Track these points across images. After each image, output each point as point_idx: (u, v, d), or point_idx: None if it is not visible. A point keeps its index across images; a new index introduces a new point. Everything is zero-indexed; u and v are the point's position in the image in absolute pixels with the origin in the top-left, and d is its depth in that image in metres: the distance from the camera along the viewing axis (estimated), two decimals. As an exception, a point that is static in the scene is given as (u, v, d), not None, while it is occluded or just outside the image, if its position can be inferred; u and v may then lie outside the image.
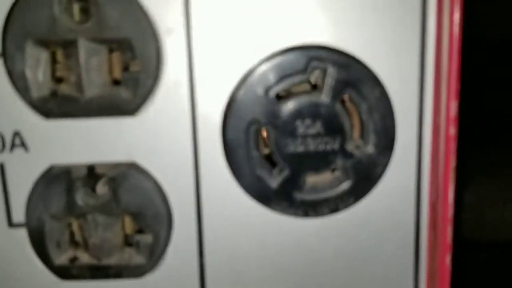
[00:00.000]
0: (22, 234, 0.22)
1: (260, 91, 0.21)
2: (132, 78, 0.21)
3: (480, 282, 0.33)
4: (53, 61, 0.21)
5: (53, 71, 0.21)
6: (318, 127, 0.21)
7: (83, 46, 0.20)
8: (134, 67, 0.21)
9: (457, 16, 0.20)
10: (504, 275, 0.33)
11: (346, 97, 0.21)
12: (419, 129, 0.21)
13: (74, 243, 0.22)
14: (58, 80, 0.21)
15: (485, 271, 0.34)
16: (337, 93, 0.21)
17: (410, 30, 0.21)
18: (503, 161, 0.35)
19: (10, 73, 0.21)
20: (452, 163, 0.20)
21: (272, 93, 0.21)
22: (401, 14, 0.21)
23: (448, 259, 0.21)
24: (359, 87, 0.21)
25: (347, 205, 0.22)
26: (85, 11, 0.21)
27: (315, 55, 0.21)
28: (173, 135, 0.22)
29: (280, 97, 0.21)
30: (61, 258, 0.22)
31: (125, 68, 0.21)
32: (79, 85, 0.21)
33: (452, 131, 0.20)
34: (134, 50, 0.20)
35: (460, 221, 0.26)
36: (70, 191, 0.22)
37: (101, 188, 0.22)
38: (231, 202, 0.22)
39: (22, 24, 0.20)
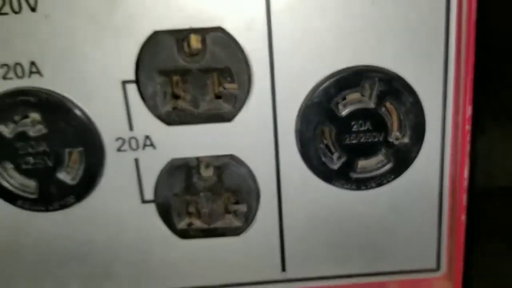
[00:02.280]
0: (152, 208, 0.31)
1: (324, 100, 0.28)
2: (231, 94, 0.28)
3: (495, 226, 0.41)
4: (175, 84, 0.28)
5: (173, 92, 0.29)
6: (367, 125, 0.29)
7: (196, 74, 0.28)
8: (231, 86, 0.29)
9: (471, 44, 0.27)
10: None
11: (388, 103, 0.29)
12: (442, 125, 0.29)
13: (190, 213, 0.31)
14: (177, 98, 0.29)
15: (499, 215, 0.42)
16: (381, 101, 0.28)
17: (437, 51, 0.28)
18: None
19: (142, 95, 0.28)
20: (468, 150, 0.28)
21: (334, 101, 0.29)
22: (429, 38, 0.28)
23: (463, 218, 0.29)
24: (398, 96, 0.28)
25: (388, 180, 0.30)
26: (197, 50, 0.28)
27: (366, 74, 0.28)
28: (260, 135, 0.29)
29: (339, 104, 0.29)
30: (181, 224, 0.31)
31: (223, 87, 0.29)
32: (193, 101, 0.28)
33: (468, 127, 0.28)
34: (232, 75, 0.28)
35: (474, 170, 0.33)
36: (187, 176, 0.30)
37: (209, 174, 0.30)
38: (303, 181, 0.30)
39: (150, 59, 0.28)
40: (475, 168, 0.33)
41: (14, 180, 0.29)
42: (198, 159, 0.30)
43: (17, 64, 0.27)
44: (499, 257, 0.38)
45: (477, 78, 0.28)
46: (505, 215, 0.42)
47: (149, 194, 0.30)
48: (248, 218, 0.31)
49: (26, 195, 0.29)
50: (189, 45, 0.28)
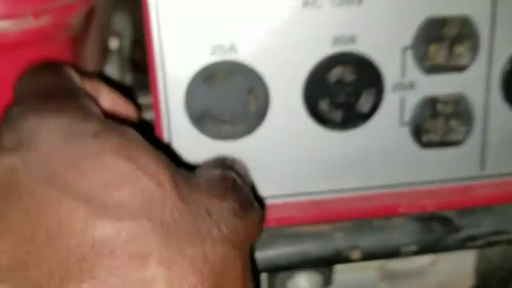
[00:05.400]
0: (407, 128, 0.48)
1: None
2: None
3: None
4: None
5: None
6: None
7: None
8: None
9: None
10: None
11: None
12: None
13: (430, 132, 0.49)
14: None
15: None
16: None
17: None
18: None
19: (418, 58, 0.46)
20: None
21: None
22: None
23: None
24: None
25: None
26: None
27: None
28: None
29: None
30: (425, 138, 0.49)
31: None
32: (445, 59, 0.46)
33: None
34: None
35: None
36: (434, 108, 0.47)
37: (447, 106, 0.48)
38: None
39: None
40: None
41: (326, 110, 0.47)
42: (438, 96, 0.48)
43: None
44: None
45: None
46: None
47: (406, 118, 0.48)
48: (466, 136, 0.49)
49: (333, 119, 0.47)
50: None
